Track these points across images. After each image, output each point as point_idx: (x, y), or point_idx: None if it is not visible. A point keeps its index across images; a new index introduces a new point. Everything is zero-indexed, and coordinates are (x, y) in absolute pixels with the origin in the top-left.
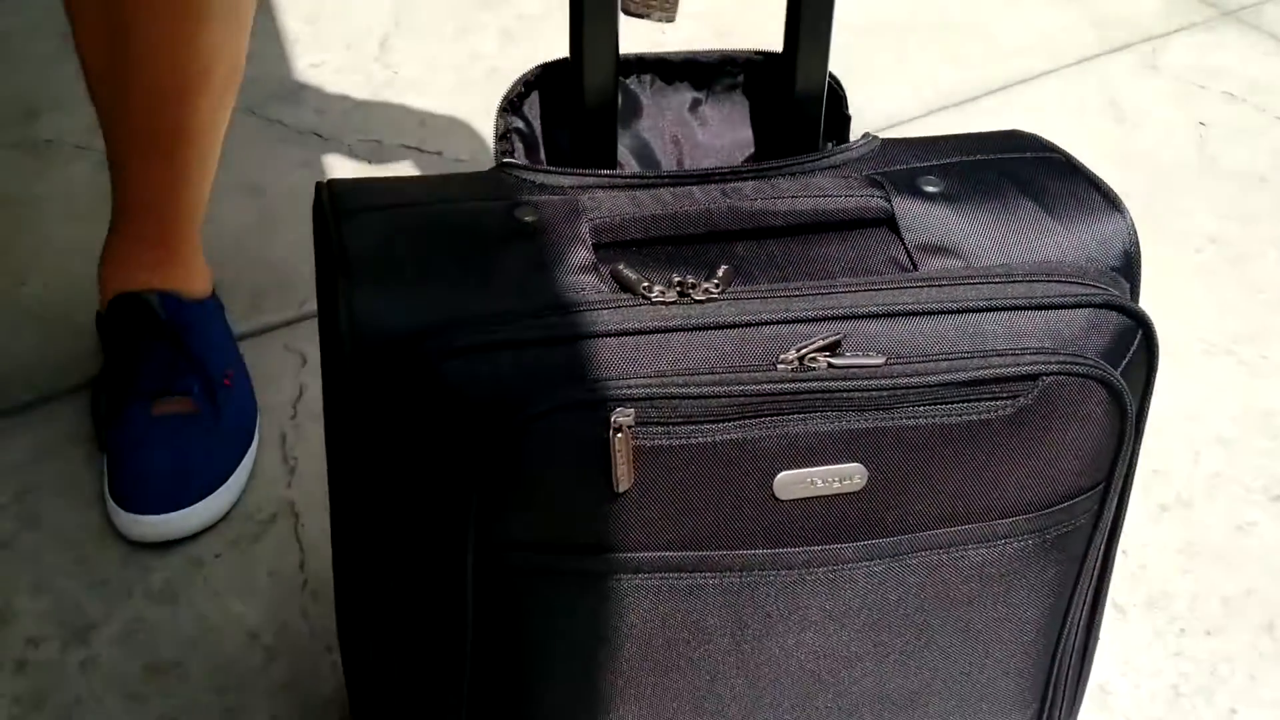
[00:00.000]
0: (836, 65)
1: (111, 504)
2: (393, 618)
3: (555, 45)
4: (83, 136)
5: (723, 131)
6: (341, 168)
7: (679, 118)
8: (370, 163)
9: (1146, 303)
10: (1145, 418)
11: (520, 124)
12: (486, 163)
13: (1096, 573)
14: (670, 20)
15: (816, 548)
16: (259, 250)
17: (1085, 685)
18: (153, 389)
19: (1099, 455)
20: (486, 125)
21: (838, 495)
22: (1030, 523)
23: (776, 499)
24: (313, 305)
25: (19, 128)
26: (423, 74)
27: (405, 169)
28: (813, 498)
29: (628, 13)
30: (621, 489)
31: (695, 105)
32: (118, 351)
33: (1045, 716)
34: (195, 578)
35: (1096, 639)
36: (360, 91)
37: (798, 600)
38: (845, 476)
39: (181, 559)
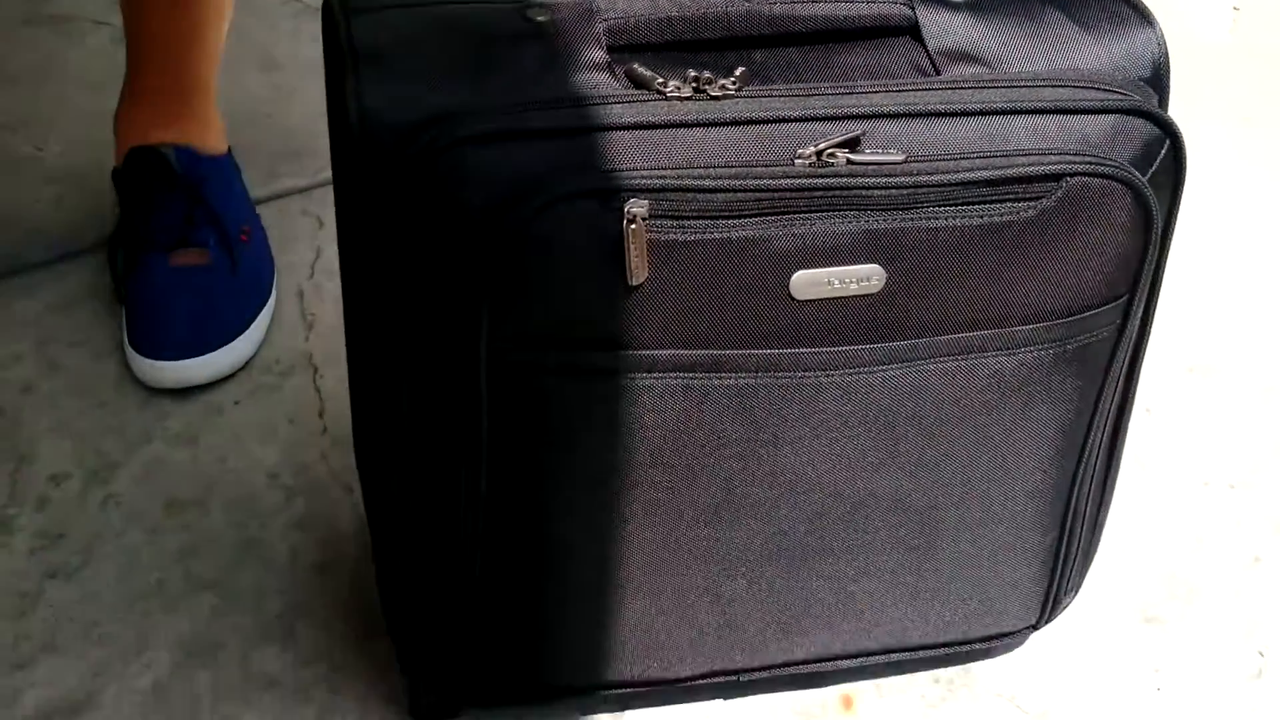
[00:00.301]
0: None
1: (130, 351)
2: (406, 417)
3: None
4: (100, 11)
5: None
6: None
7: None
8: None
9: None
10: (1172, 231)
11: None
12: None
13: (1119, 392)
14: None
15: (833, 349)
16: (276, 120)
17: (1105, 515)
18: (170, 241)
19: (1123, 264)
20: None
21: (855, 297)
22: (1050, 331)
23: (793, 299)
24: (329, 172)
25: (36, 4)
26: None
27: None
28: (830, 299)
29: None
30: (635, 282)
31: None
32: (134, 205)
33: (1064, 544)
34: (214, 423)
35: (1118, 468)
36: None
37: (814, 405)
38: (863, 278)
39: (200, 406)
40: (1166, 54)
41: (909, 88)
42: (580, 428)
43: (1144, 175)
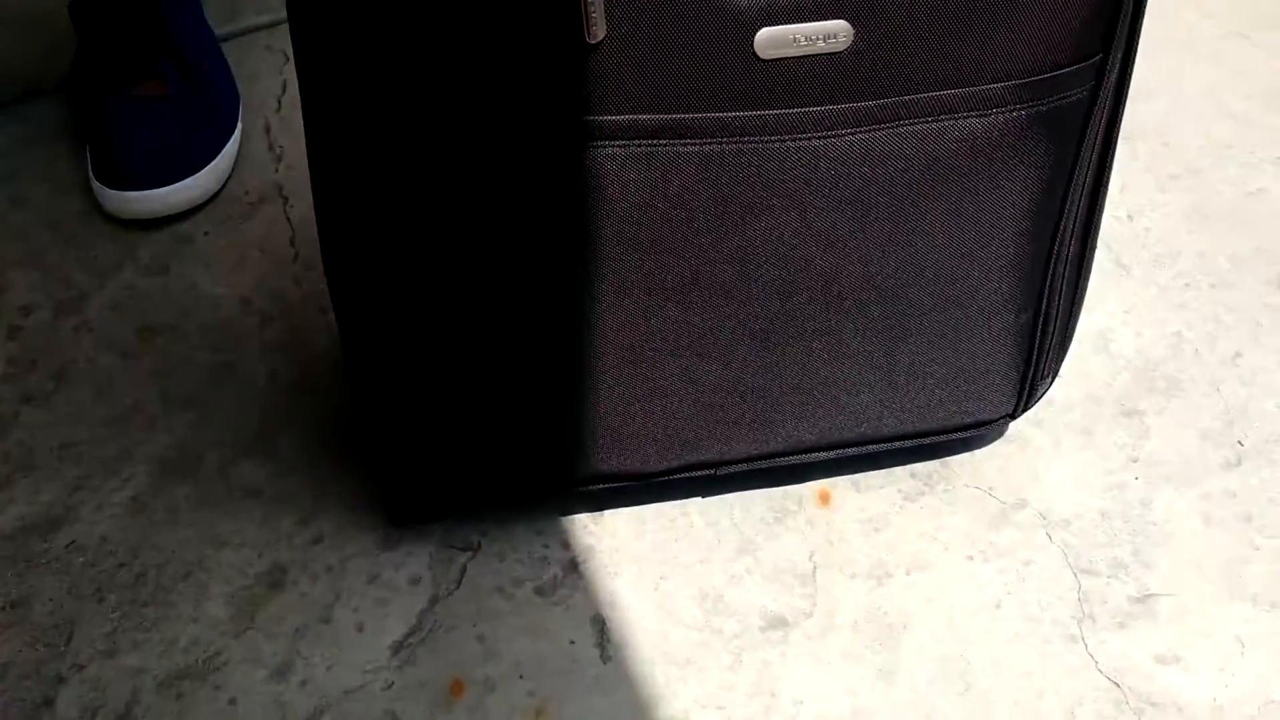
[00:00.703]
0: None
1: (96, 184)
2: (369, 204)
3: None
4: None
5: None
6: None
7: None
8: None
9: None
10: (1136, 33)
11: None
12: None
13: (1094, 163)
14: None
15: (800, 109)
16: None
17: (1081, 299)
18: (130, 73)
19: (1095, 19)
20: None
21: (823, 55)
22: (1023, 90)
23: (757, 57)
24: None
25: None
26: None
27: None
28: (796, 57)
29: None
30: (594, 39)
31: None
32: (93, 37)
33: (1040, 325)
34: (185, 252)
35: (1094, 249)
36: None
37: (782, 172)
38: (830, 34)
39: (170, 236)
40: None
41: None
42: (543, 201)
43: None
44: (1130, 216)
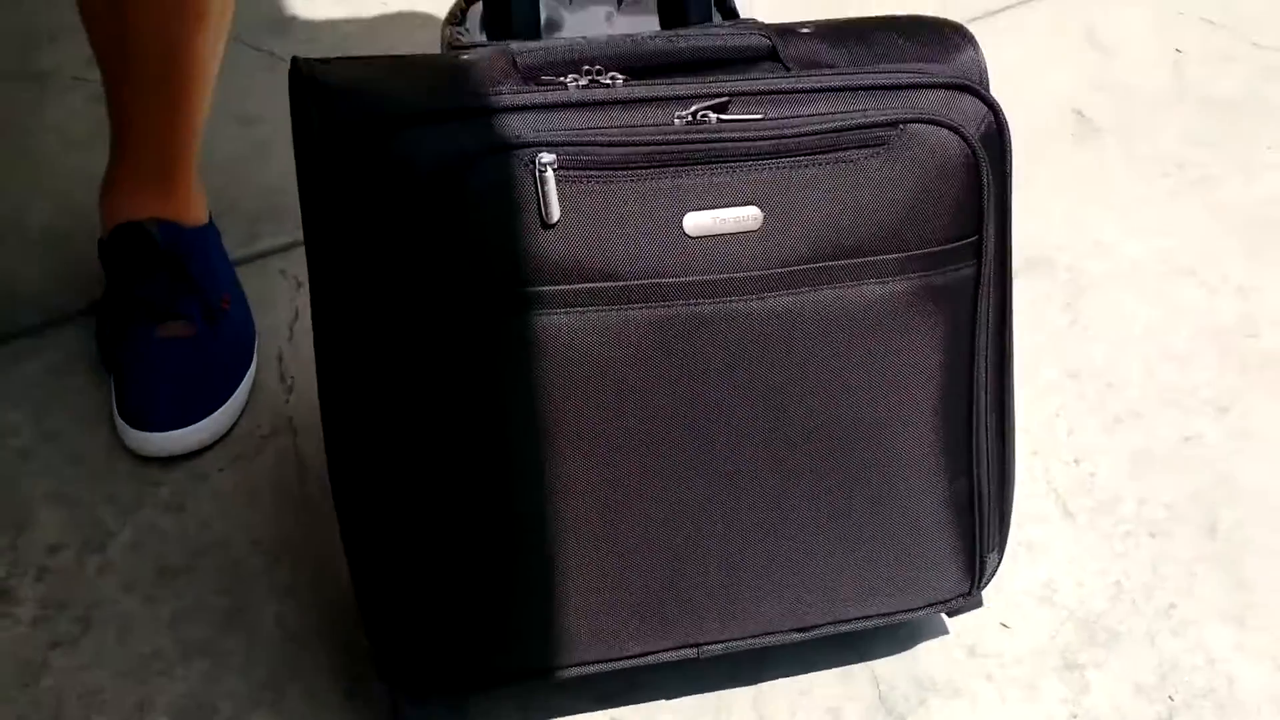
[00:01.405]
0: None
1: (120, 422)
2: (363, 374)
3: None
4: (80, 68)
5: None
6: None
7: (595, 27)
8: None
9: (1113, 224)
10: (1008, 187)
11: (462, 35)
12: None
13: (993, 343)
14: None
15: (724, 276)
16: (253, 178)
17: (1011, 475)
18: (155, 314)
19: (964, 204)
20: None
21: (740, 233)
22: (913, 262)
23: (687, 235)
24: None
25: (18, 58)
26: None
27: None
28: (719, 235)
29: None
30: (552, 220)
31: (609, 16)
32: (120, 278)
33: (975, 494)
34: (200, 490)
35: (1011, 452)
36: (347, 20)
37: (717, 333)
38: (745, 217)
39: (186, 473)
40: (986, 70)
41: (769, 75)
42: (511, 364)
43: (971, 131)
44: (1077, 461)
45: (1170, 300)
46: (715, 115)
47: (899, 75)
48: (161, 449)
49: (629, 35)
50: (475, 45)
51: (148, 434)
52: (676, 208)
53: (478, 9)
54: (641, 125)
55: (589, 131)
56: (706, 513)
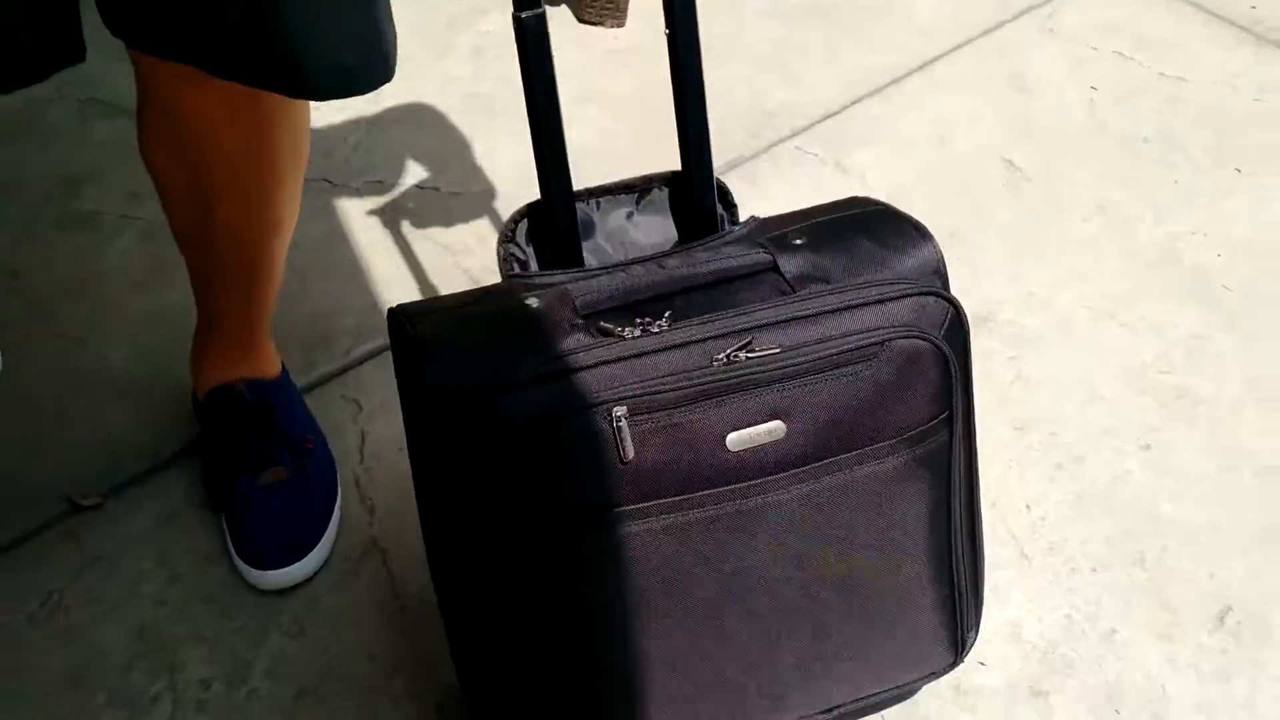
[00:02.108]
0: (770, 63)
1: (240, 563)
2: (477, 581)
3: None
4: (122, 205)
5: (651, 230)
6: (354, 211)
7: (620, 226)
8: (378, 202)
9: (1045, 274)
10: (970, 367)
11: (515, 250)
12: (477, 192)
13: (965, 494)
14: (620, 25)
15: (762, 479)
16: (297, 307)
17: (982, 580)
18: (254, 463)
19: (939, 390)
20: (469, 154)
21: (770, 443)
22: (902, 443)
23: (729, 450)
24: (356, 352)
25: (62, 203)
26: (408, 105)
27: (410, 205)
28: (753, 447)
29: (584, 21)
30: (628, 458)
31: (630, 215)
32: (219, 434)
33: (956, 593)
34: (315, 614)
35: (982, 555)
36: (356, 130)
37: (761, 519)
38: (772, 429)
39: (301, 600)
40: (943, 259)
41: (777, 305)
42: (595, 565)
43: (939, 334)
44: (1028, 506)
45: (1096, 345)
46: (744, 354)
47: (882, 289)
48: (278, 583)
49: (660, 260)
50: (532, 279)
51: (265, 572)
52: (720, 429)
53: (525, 224)
54: (689, 370)
55: (651, 382)
56: (755, 648)
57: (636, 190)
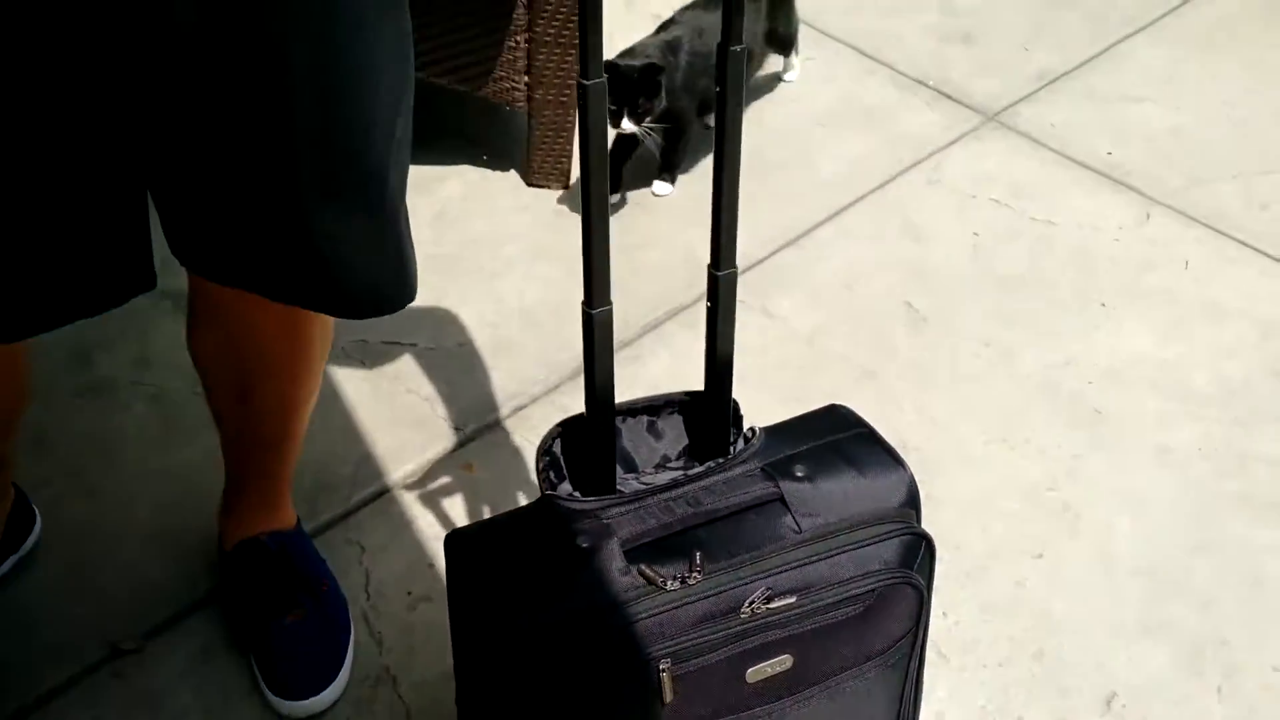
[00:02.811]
0: (697, 219)
1: (271, 696)
2: None
3: (479, 229)
4: (132, 371)
5: (671, 440)
6: (342, 370)
7: (642, 435)
8: (363, 361)
9: (945, 405)
10: (932, 585)
11: (550, 460)
12: (449, 347)
13: (916, 674)
14: (566, 188)
15: (774, 702)
16: (300, 458)
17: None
18: (278, 606)
19: (911, 614)
20: (438, 312)
21: (779, 673)
22: (880, 660)
23: (747, 682)
24: (355, 499)
25: (77, 371)
26: None
27: (390, 361)
28: (767, 678)
29: (532, 185)
30: (668, 700)
31: (651, 425)
32: (246, 581)
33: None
34: None
35: (920, 699)
36: None
37: None
38: (782, 662)
39: None
40: (915, 482)
41: (790, 548)
42: None
43: (914, 564)
44: (944, 614)
45: (992, 466)
46: (766, 605)
47: (875, 530)
48: (307, 711)
49: (689, 496)
50: (572, 505)
51: (295, 702)
52: (742, 667)
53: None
54: (720, 621)
55: (689, 638)
56: None
57: (658, 405)
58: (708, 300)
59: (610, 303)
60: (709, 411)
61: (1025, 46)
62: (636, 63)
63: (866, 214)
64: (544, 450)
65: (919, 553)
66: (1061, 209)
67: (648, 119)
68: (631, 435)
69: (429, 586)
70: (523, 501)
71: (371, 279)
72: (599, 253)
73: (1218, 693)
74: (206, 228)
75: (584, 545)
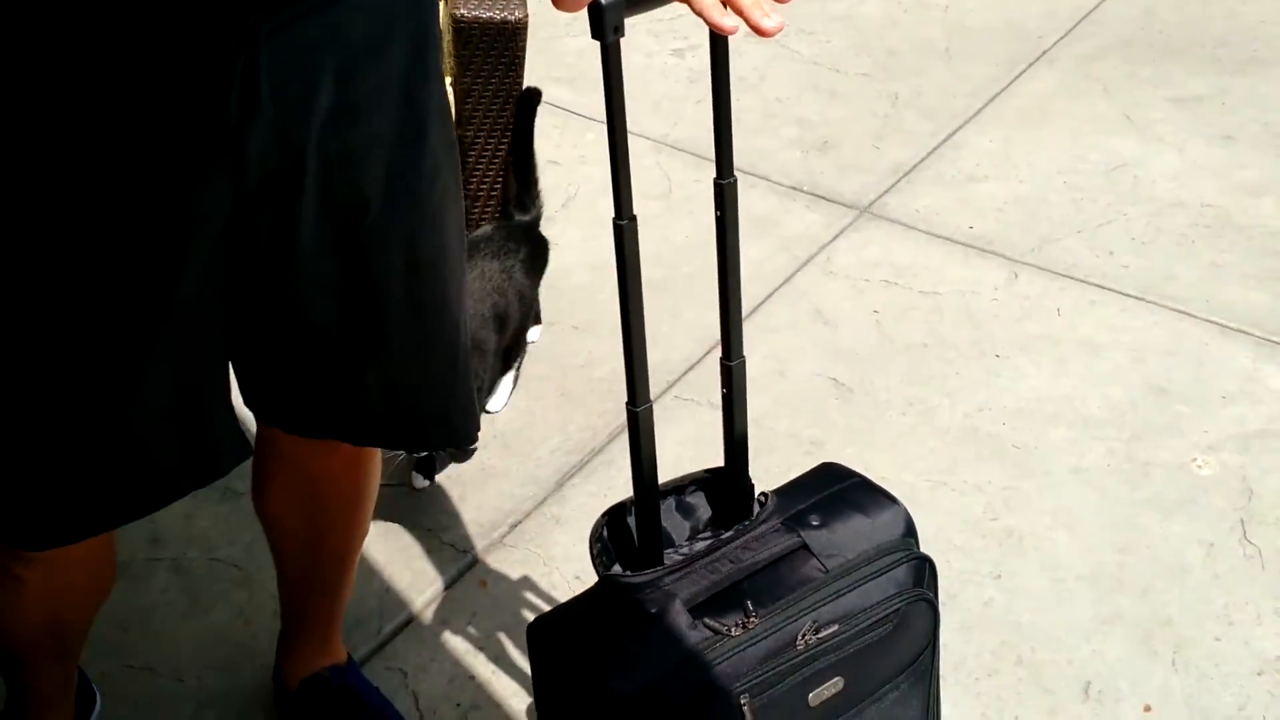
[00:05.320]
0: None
1: None
2: None
3: None
4: (146, 549)
5: (696, 510)
6: None
7: (671, 513)
8: None
9: (885, 460)
10: (939, 600)
11: (601, 546)
12: (440, 481)
13: (935, 672)
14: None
15: None
16: None
17: None
18: None
19: (929, 628)
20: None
21: (835, 694)
22: (912, 669)
23: (810, 705)
24: (386, 629)
25: None
26: None
27: (393, 504)
28: (825, 700)
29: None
30: None
31: (679, 503)
32: (315, 717)
33: None
34: None
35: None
36: None
37: None
38: (835, 684)
39: None
40: (911, 518)
41: (823, 588)
42: None
43: (924, 584)
44: None
45: (938, 507)
46: (816, 635)
47: (886, 559)
48: None
49: (730, 555)
50: (630, 579)
51: None
52: (804, 691)
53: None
54: (781, 655)
55: (758, 674)
56: None
57: (685, 484)
58: (723, 388)
59: (650, 401)
60: (730, 483)
61: (876, 145)
62: None
63: (779, 307)
64: (595, 538)
65: (925, 572)
66: (942, 280)
67: None
68: (664, 514)
69: (475, 695)
70: (539, 605)
71: (443, 412)
72: (639, 357)
73: (1173, 665)
74: (294, 389)
75: (653, 611)
